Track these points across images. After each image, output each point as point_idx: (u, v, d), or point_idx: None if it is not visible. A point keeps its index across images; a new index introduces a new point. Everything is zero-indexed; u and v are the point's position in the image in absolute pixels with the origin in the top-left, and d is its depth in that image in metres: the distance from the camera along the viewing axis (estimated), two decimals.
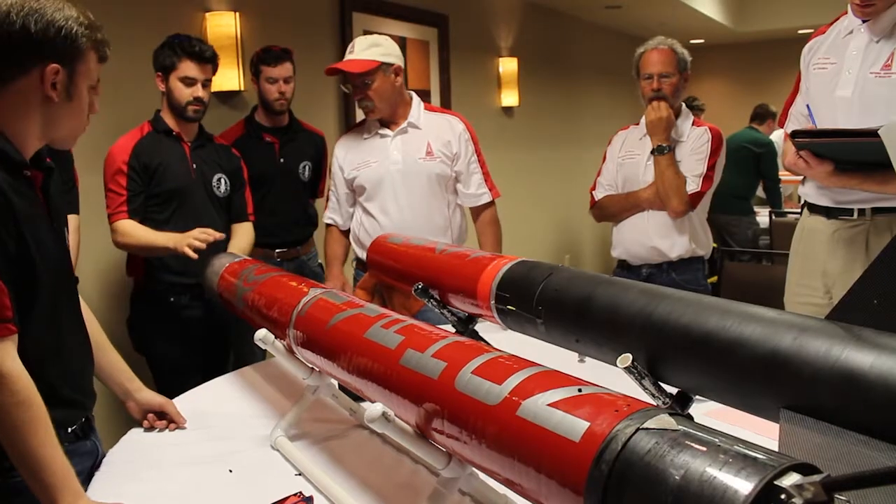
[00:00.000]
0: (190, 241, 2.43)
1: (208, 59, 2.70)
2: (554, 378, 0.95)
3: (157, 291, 2.79)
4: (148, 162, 2.67)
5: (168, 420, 1.76)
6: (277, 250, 3.31)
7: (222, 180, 2.85)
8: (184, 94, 2.67)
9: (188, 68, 2.65)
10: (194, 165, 2.78)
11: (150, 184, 2.69)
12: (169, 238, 2.53)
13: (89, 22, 1.42)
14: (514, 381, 0.96)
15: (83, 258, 2.82)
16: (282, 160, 3.32)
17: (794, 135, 2.12)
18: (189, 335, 2.81)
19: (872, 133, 1.83)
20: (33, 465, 1.24)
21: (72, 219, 2.56)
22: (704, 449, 0.74)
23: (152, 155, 2.69)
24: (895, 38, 2.08)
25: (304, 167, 3.39)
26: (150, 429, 1.74)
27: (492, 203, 2.88)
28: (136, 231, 2.63)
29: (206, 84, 2.72)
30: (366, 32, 4.44)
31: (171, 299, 2.78)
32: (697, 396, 1.20)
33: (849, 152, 2.05)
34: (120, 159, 2.65)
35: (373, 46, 2.67)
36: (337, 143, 2.93)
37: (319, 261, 3.55)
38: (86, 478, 1.50)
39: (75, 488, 1.27)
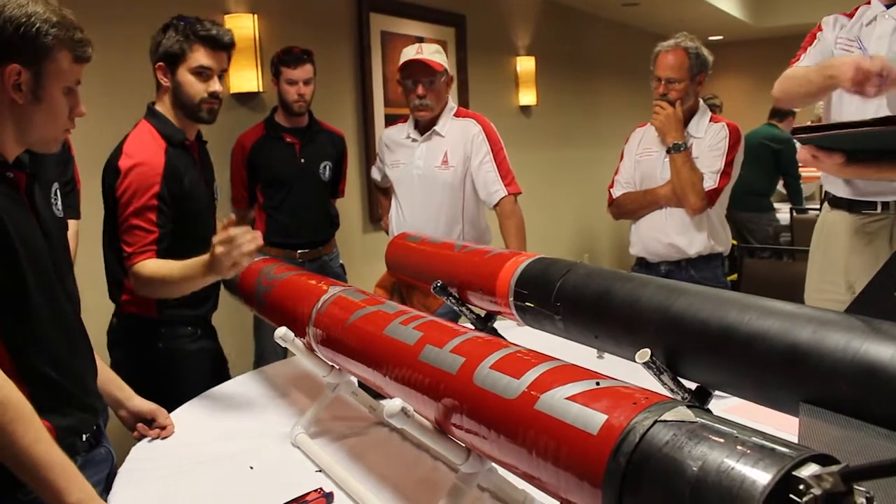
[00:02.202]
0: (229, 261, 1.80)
1: (226, 46, 2.17)
2: (572, 372, 0.95)
3: (152, 324, 2.20)
4: (177, 190, 2.12)
5: (158, 427, 1.72)
6: (299, 251, 3.33)
7: (216, 189, 2.39)
8: (197, 89, 2.12)
9: (202, 56, 2.11)
10: (205, 178, 2.29)
11: (176, 213, 2.12)
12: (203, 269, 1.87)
13: (60, 19, 1.32)
14: (532, 375, 0.96)
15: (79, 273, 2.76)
16: (302, 160, 3.34)
17: (794, 132, 2.10)
18: (188, 372, 2.25)
19: (873, 123, 1.82)
20: (30, 465, 1.16)
21: (71, 224, 2.31)
22: (722, 440, 0.74)
23: (180, 178, 2.13)
24: None
25: (325, 167, 3.41)
26: (141, 437, 1.71)
27: (508, 197, 2.90)
28: (166, 267, 2.01)
29: (222, 76, 2.19)
30: (383, 33, 4.48)
31: (162, 331, 2.20)
32: (717, 392, 1.20)
33: (855, 142, 2.02)
34: (150, 191, 2.06)
35: (437, 53, 2.91)
36: (385, 130, 3.25)
37: (341, 261, 3.57)
38: (105, 487, 1.49)
39: (81, 484, 1.18)
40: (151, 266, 2.02)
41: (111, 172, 2.10)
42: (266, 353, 3.23)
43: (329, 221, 3.51)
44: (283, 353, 3.23)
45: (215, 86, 2.15)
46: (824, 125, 2.07)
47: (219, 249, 1.78)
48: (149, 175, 2.07)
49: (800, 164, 5.69)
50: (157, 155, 2.11)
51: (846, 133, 1.96)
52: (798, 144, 2.18)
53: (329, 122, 3.56)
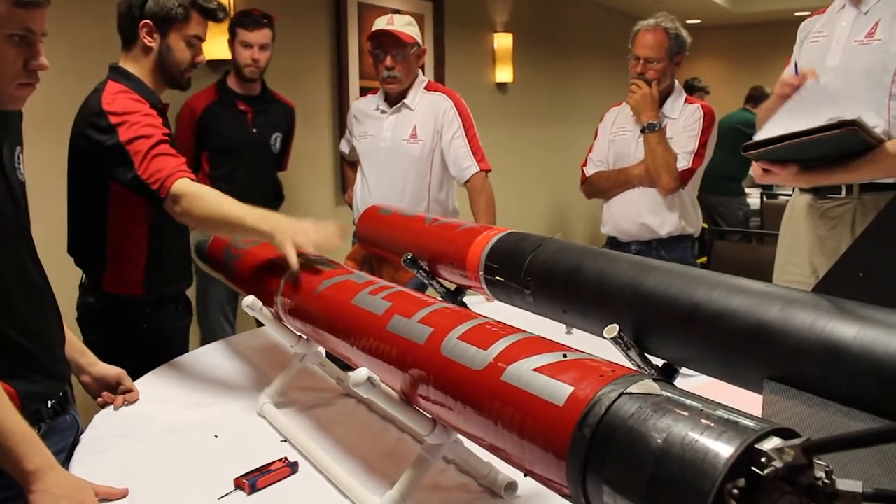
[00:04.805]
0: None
1: (219, 21, 2.12)
2: (539, 344, 0.95)
3: (136, 304, 2.10)
4: None
5: (123, 393, 1.70)
6: None
7: None
8: (186, 57, 2.03)
9: (198, 26, 2.03)
10: None
11: None
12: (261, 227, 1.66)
13: None
14: (499, 346, 0.96)
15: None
16: (254, 130, 3.24)
17: (744, 149, 2.05)
18: (173, 350, 2.12)
19: (821, 129, 1.85)
20: None
21: None
22: (687, 414, 0.74)
23: None
24: (882, 7, 2.08)
25: (276, 138, 3.33)
26: (105, 405, 1.68)
27: (479, 173, 2.88)
28: (220, 195, 1.77)
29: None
30: (360, 5, 4.43)
31: (147, 311, 2.11)
32: (684, 371, 1.20)
33: (805, 150, 2.02)
34: (160, 129, 1.91)
35: (409, 25, 2.87)
36: (354, 102, 3.23)
37: None
38: (69, 454, 1.47)
39: (41, 451, 1.18)
40: (198, 185, 1.80)
41: (99, 131, 1.88)
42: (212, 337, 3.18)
43: (274, 195, 3.41)
44: (232, 331, 3.20)
45: (200, 55, 2.07)
46: (774, 138, 2.06)
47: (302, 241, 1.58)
48: (150, 119, 1.90)
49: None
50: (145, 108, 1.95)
51: (797, 143, 1.95)
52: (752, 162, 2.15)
53: (303, 92, 3.51)
